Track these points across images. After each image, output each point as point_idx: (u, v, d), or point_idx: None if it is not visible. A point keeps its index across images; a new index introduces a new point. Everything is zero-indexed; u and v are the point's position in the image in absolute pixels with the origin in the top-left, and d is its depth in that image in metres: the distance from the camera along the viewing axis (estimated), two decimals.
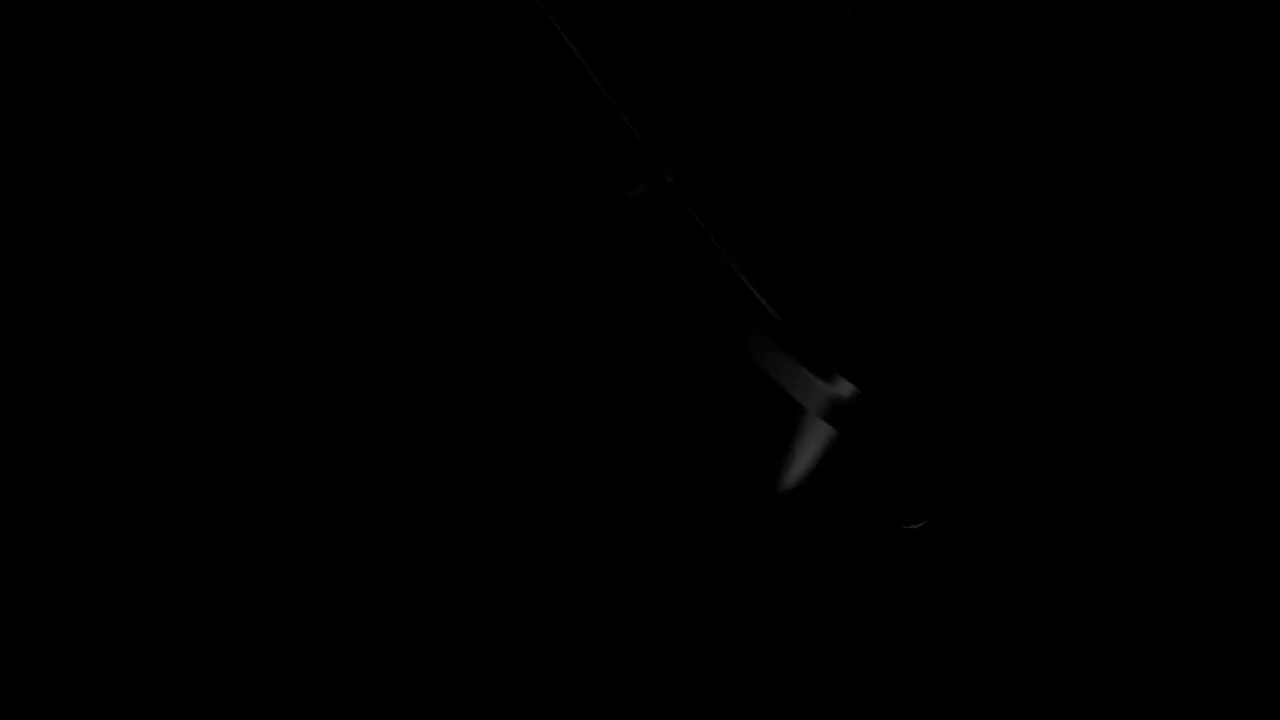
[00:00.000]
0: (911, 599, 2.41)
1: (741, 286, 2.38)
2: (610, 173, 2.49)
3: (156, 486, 2.49)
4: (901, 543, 2.42)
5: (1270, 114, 2.55)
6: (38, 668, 2.42)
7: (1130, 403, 2.46)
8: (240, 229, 2.57)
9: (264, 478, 2.50)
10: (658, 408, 2.50)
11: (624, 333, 2.52)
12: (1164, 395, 2.46)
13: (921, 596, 2.41)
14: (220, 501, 2.49)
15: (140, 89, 2.59)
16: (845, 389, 2.32)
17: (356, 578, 2.46)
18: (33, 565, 2.46)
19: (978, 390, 2.48)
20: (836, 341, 2.45)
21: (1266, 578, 2.38)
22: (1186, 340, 2.48)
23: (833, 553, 2.42)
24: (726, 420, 2.47)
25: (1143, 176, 2.54)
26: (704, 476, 2.47)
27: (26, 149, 2.57)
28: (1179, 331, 2.49)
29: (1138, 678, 2.37)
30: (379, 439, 2.51)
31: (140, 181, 2.58)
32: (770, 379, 2.34)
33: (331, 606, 2.45)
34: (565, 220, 2.55)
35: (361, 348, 2.54)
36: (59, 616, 2.45)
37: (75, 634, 2.44)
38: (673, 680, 2.40)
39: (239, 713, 2.42)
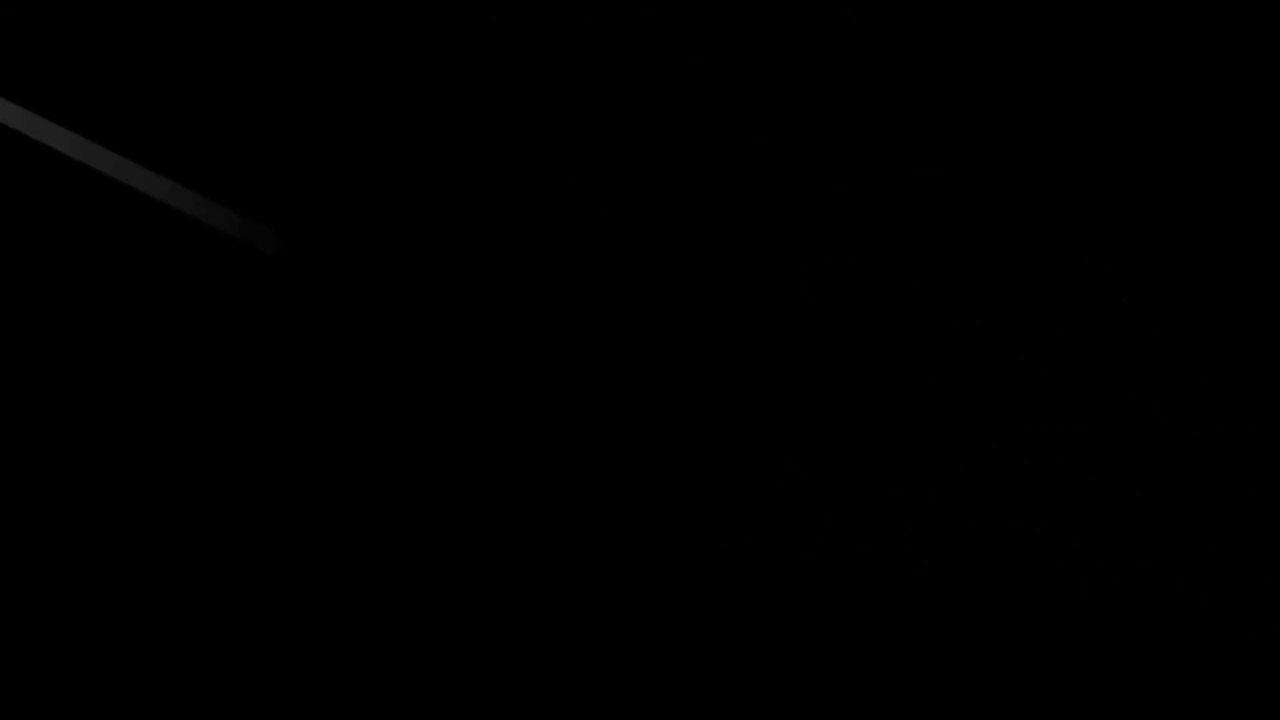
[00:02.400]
0: (911, 599, 2.41)
1: None
2: (609, 173, 2.49)
3: (156, 485, 2.49)
4: (901, 543, 2.42)
5: (1270, 114, 2.55)
6: (37, 667, 2.42)
7: (1130, 403, 2.46)
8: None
9: (264, 477, 2.50)
10: (658, 408, 2.50)
11: (624, 332, 2.52)
12: (1164, 395, 2.46)
13: (921, 596, 2.41)
14: (220, 501, 2.49)
15: (141, 88, 2.59)
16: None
17: (357, 577, 2.46)
18: (32, 565, 2.46)
19: (978, 390, 2.48)
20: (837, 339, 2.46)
21: (1266, 578, 2.38)
22: (1186, 340, 2.48)
23: (833, 553, 2.42)
24: (726, 419, 2.47)
25: (1142, 176, 2.54)
26: (704, 476, 2.47)
27: (25, 149, 2.57)
28: (1179, 331, 2.49)
29: (1138, 678, 2.37)
30: (380, 439, 2.51)
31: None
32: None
33: (331, 606, 2.45)
34: (564, 220, 2.55)
35: (361, 348, 2.54)
36: (59, 616, 2.45)
37: (75, 633, 2.44)
38: (673, 680, 2.40)
39: (239, 713, 2.42)
